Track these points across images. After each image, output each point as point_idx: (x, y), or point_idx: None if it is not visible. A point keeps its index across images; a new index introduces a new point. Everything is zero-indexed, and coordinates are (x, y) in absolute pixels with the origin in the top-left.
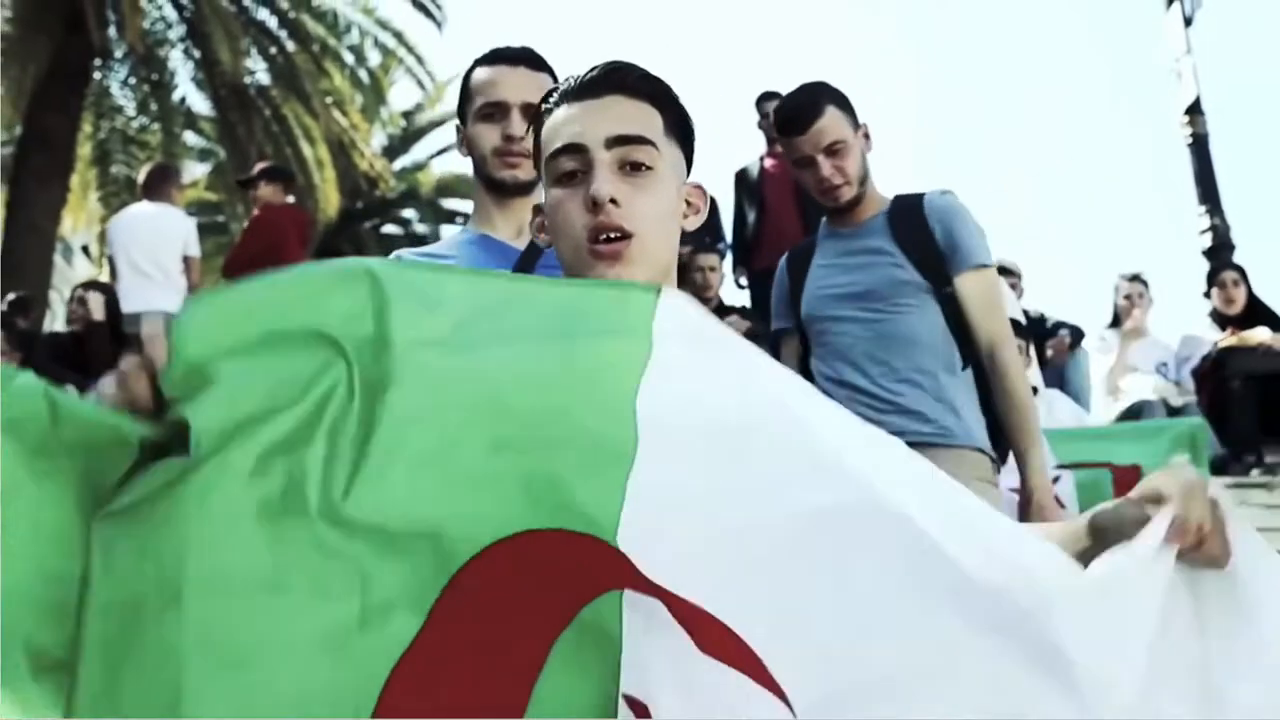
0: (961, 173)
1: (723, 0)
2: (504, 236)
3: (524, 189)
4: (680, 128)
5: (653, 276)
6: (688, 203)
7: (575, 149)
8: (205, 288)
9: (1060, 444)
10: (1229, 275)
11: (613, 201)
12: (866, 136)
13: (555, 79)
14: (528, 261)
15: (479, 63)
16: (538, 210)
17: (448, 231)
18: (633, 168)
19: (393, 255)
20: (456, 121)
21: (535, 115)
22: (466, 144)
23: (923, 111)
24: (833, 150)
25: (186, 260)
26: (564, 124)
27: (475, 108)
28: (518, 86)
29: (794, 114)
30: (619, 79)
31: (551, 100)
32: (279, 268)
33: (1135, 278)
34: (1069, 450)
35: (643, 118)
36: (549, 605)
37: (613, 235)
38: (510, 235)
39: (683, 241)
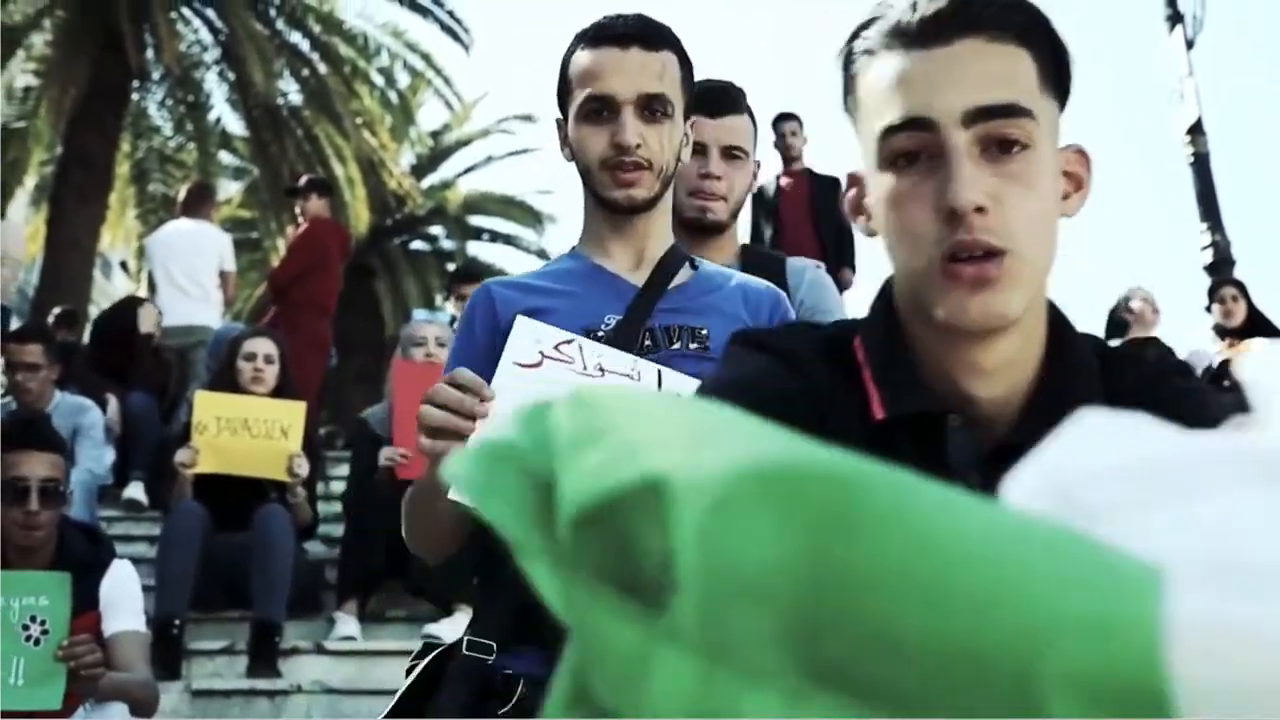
0: None
1: (742, 19)
2: (620, 268)
3: (645, 207)
4: (1056, 67)
5: (1032, 295)
6: (1067, 175)
7: (919, 124)
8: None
9: None
10: (1228, 291)
11: (979, 210)
12: (754, 175)
13: (683, 56)
14: (646, 302)
15: (581, 41)
16: (854, 182)
17: (474, 248)
18: (1002, 148)
19: (482, 284)
20: (557, 115)
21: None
22: (568, 146)
23: None
24: (732, 154)
25: (223, 275)
26: (897, 83)
27: (578, 104)
28: (632, 76)
29: (719, 95)
30: (975, 11)
31: (868, 40)
32: (323, 280)
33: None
34: None
35: (1013, 71)
36: None
37: (977, 254)
38: (628, 266)
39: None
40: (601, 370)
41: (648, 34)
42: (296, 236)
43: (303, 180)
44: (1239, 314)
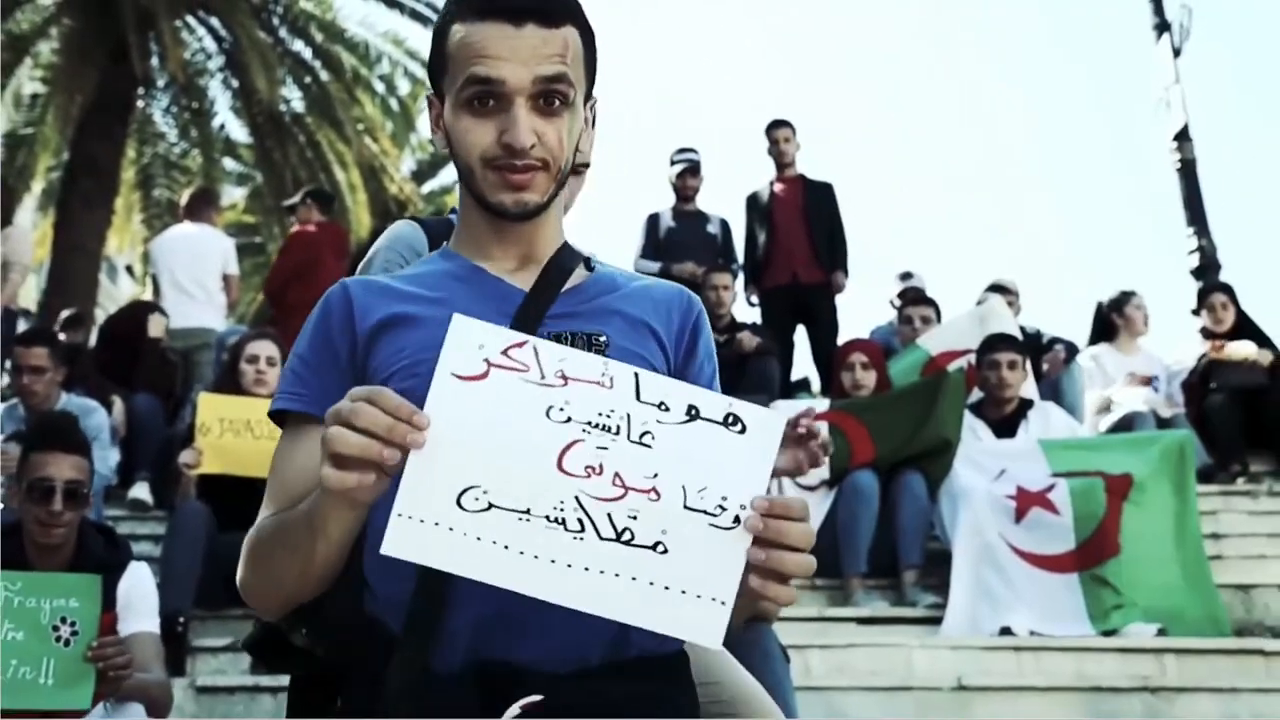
0: (967, 195)
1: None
2: (502, 270)
3: (536, 212)
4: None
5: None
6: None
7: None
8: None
9: (1056, 453)
10: (1218, 298)
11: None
12: (591, 121)
13: (586, 28)
14: (534, 308)
15: (463, 8)
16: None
17: None
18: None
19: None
20: (428, 91)
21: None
22: (440, 131)
23: (930, 132)
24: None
25: (226, 279)
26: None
27: (458, 86)
28: (526, 59)
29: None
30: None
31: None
32: (317, 283)
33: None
34: (1064, 459)
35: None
36: None
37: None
38: (511, 268)
39: (700, 263)
40: (564, 378)
41: (547, 6)
42: (285, 241)
43: (300, 194)
44: (1228, 320)
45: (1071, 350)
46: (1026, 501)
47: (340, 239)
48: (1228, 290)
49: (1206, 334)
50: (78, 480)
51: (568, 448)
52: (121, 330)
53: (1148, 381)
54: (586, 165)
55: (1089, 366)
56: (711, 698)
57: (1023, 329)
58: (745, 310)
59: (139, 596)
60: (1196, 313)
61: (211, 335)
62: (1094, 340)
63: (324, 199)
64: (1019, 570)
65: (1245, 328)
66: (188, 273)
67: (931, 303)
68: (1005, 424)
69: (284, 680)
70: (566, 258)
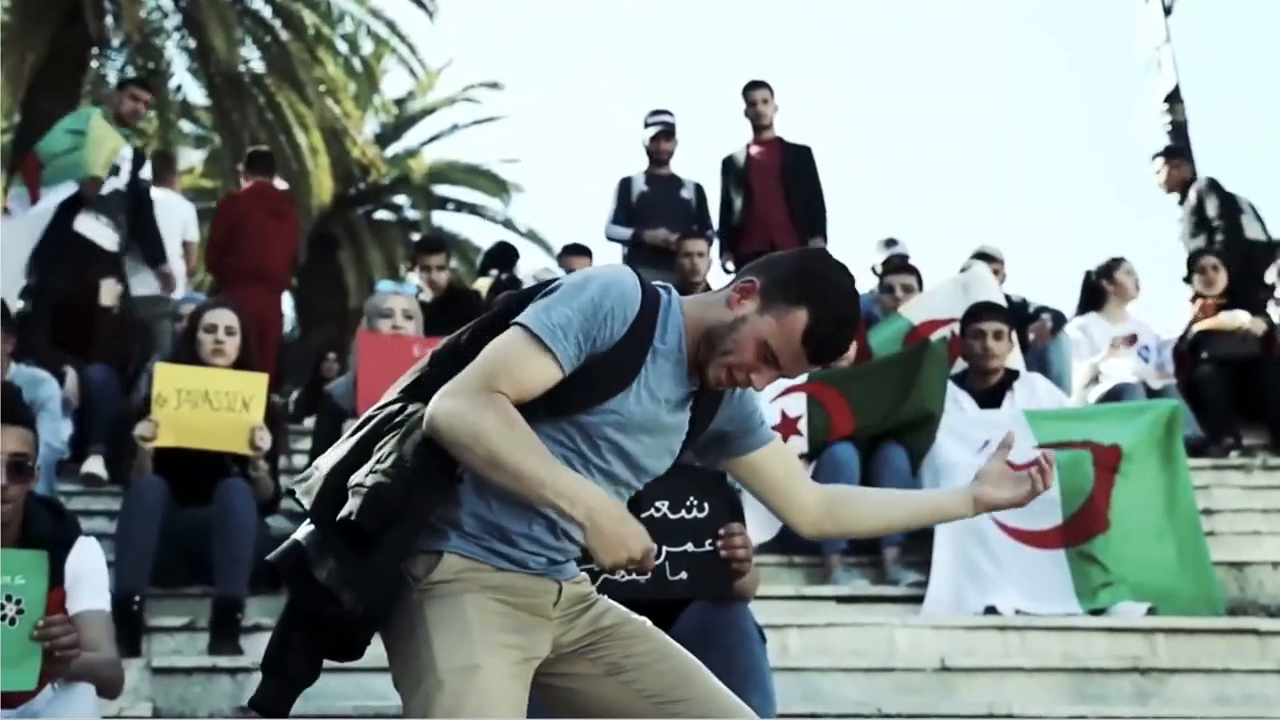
0: (947, 160)
1: None
2: None
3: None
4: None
5: None
6: None
7: None
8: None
9: (1043, 424)
10: (1208, 260)
11: None
12: None
13: None
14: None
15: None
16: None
17: (439, 218)
18: None
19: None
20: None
21: None
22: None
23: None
24: (774, 374)
25: (185, 245)
26: None
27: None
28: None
29: (837, 353)
30: None
31: None
32: (253, 248)
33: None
34: (1051, 430)
35: None
36: None
37: None
38: None
39: (673, 229)
40: None
41: None
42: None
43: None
44: (1220, 283)
45: (1058, 320)
46: None
47: (275, 198)
48: (1219, 254)
49: (1198, 300)
50: (22, 454)
51: None
52: (75, 299)
53: (1132, 341)
54: None
55: (1077, 337)
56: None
57: (1008, 297)
58: (720, 278)
59: (88, 572)
60: (1188, 279)
61: (172, 304)
62: (1083, 310)
63: (257, 159)
64: (1004, 546)
65: (1238, 295)
66: None
67: (914, 270)
68: (990, 395)
69: (243, 661)
70: None
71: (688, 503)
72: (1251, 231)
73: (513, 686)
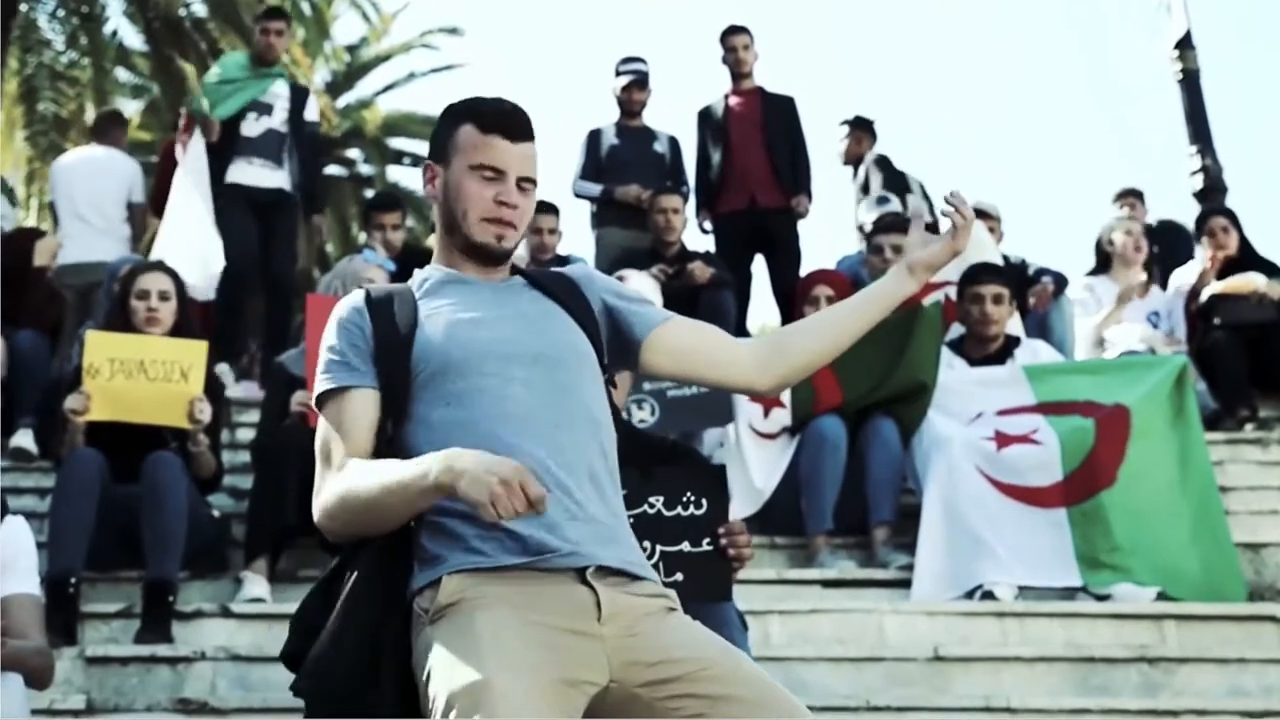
0: (935, 110)
1: None
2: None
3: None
4: None
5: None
6: None
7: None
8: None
9: (1044, 380)
10: (1218, 222)
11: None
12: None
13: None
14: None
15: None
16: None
17: (395, 173)
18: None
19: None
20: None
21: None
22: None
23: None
24: (525, 185)
25: (130, 207)
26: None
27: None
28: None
29: (518, 117)
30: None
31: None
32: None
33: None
34: (1053, 387)
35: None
36: None
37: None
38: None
39: (646, 185)
40: None
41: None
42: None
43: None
44: (1231, 245)
45: (1060, 282)
46: (1007, 444)
47: None
48: (1230, 214)
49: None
50: None
51: None
52: (4, 261)
53: (1146, 289)
54: None
55: (1083, 298)
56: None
57: (1006, 258)
58: (697, 238)
59: (15, 554)
60: (1197, 240)
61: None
62: (1094, 274)
63: (199, 111)
64: (999, 506)
65: (1251, 258)
66: (88, 199)
67: (904, 229)
68: (988, 363)
69: (182, 651)
70: None
71: (684, 499)
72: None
73: (540, 707)
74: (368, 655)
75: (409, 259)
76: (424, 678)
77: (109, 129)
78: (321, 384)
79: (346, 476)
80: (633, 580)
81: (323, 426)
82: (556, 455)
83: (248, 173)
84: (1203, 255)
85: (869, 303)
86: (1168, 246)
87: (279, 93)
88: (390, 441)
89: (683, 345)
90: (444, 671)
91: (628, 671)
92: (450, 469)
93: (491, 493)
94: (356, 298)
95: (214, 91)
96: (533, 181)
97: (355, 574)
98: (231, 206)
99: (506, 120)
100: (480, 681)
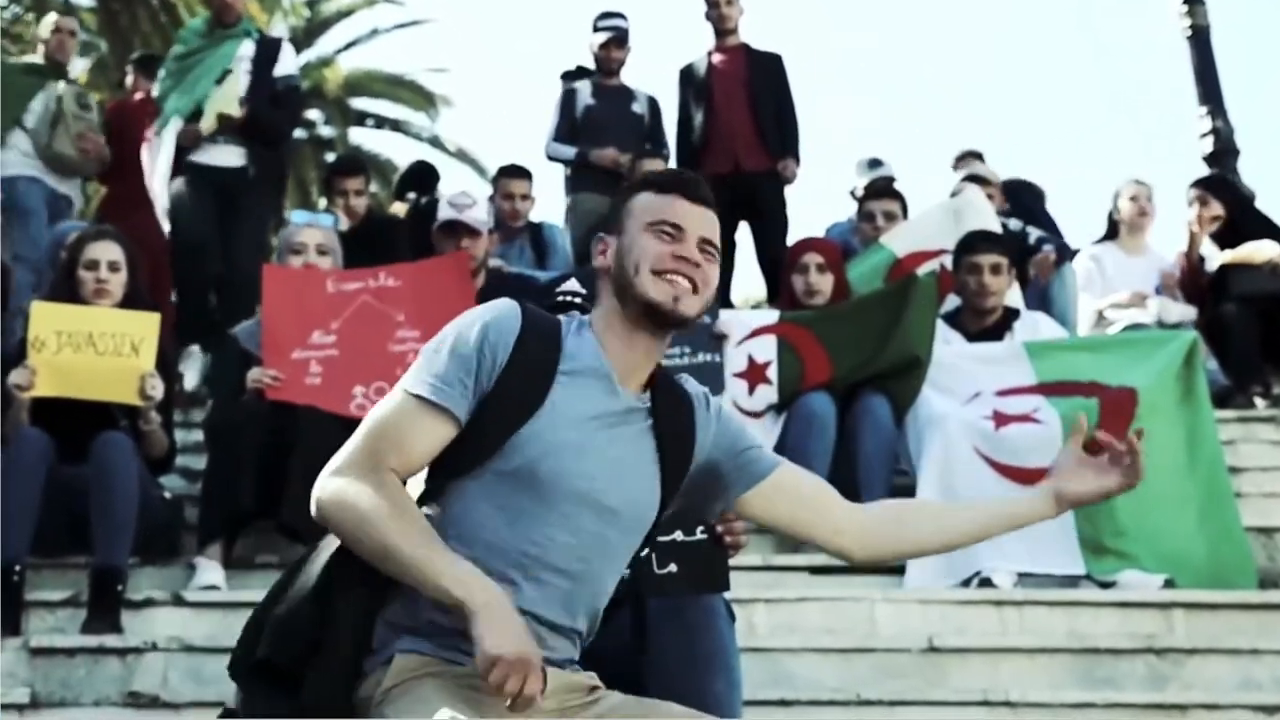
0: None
1: None
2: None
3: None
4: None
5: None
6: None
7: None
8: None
9: (1045, 358)
10: (1193, 194)
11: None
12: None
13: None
14: None
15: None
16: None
17: (357, 135)
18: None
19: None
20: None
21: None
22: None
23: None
24: (707, 249)
25: None
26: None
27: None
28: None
29: (699, 182)
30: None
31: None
32: (141, 164)
33: (971, 158)
34: (1054, 365)
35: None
36: None
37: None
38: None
39: (624, 148)
40: None
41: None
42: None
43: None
44: (1209, 215)
45: (1063, 251)
46: (1005, 423)
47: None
48: (1211, 183)
49: (1212, 235)
50: None
51: None
52: None
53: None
54: None
55: (1087, 268)
56: None
57: (1004, 226)
58: None
59: None
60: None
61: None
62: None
63: (148, 62)
64: (998, 488)
65: (1254, 221)
66: None
67: (898, 196)
68: (986, 337)
69: (132, 642)
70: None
71: None
72: None
73: None
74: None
75: (372, 227)
76: None
77: None
78: (423, 385)
79: (384, 499)
80: (569, 664)
81: (385, 416)
82: (558, 607)
83: (210, 152)
84: (1191, 217)
85: (998, 518)
86: (1021, 206)
87: (243, 54)
88: (431, 481)
89: (789, 492)
90: None
91: None
92: (490, 610)
93: (503, 655)
94: (514, 314)
95: (173, 77)
96: (716, 248)
97: (345, 605)
98: (191, 189)
99: (686, 182)
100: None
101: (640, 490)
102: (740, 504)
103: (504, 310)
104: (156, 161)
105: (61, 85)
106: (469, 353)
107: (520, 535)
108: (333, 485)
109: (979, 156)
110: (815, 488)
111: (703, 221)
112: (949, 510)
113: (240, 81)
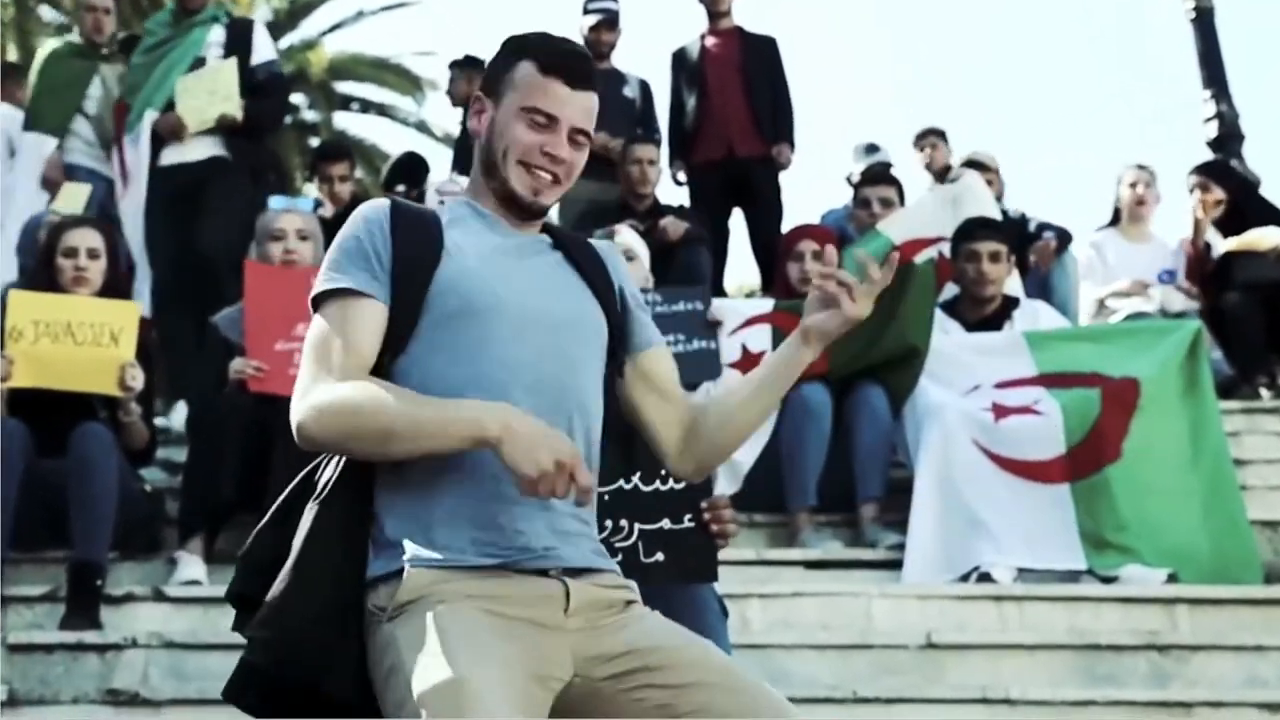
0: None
1: None
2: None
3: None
4: None
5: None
6: None
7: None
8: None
9: (1046, 348)
10: (1193, 181)
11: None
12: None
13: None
14: None
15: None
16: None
17: (342, 120)
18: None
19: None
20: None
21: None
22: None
23: None
24: (577, 138)
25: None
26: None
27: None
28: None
29: (583, 62)
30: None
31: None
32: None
33: (933, 137)
34: (1054, 356)
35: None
36: None
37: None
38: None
39: (614, 133)
40: None
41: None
42: None
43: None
44: (1210, 201)
45: (1063, 238)
46: (1005, 414)
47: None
48: (1210, 169)
49: (1216, 222)
50: None
51: None
52: None
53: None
54: None
55: (1088, 255)
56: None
57: (1004, 213)
58: (670, 190)
59: None
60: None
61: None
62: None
63: (126, 45)
64: (997, 481)
65: (1259, 208)
66: None
67: (895, 182)
68: (985, 326)
69: (111, 638)
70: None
71: (662, 472)
72: None
73: (516, 704)
74: (333, 599)
75: None
76: (383, 675)
77: (7, 84)
78: (332, 280)
79: (358, 389)
80: (597, 571)
81: (321, 326)
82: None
83: (178, 150)
84: (1194, 203)
85: (767, 378)
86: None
87: (213, 40)
88: (377, 372)
89: (658, 378)
90: (411, 670)
91: (590, 666)
92: (508, 427)
93: (541, 469)
94: (382, 205)
95: (142, 70)
96: (587, 135)
97: (318, 508)
98: (157, 200)
99: (570, 64)
100: (454, 680)
101: (578, 300)
102: (628, 366)
103: (371, 204)
104: (131, 169)
105: (104, 67)
106: (356, 245)
107: (483, 365)
108: (307, 404)
109: (941, 135)
110: (674, 384)
111: (579, 109)
112: (728, 392)
113: (229, 77)
